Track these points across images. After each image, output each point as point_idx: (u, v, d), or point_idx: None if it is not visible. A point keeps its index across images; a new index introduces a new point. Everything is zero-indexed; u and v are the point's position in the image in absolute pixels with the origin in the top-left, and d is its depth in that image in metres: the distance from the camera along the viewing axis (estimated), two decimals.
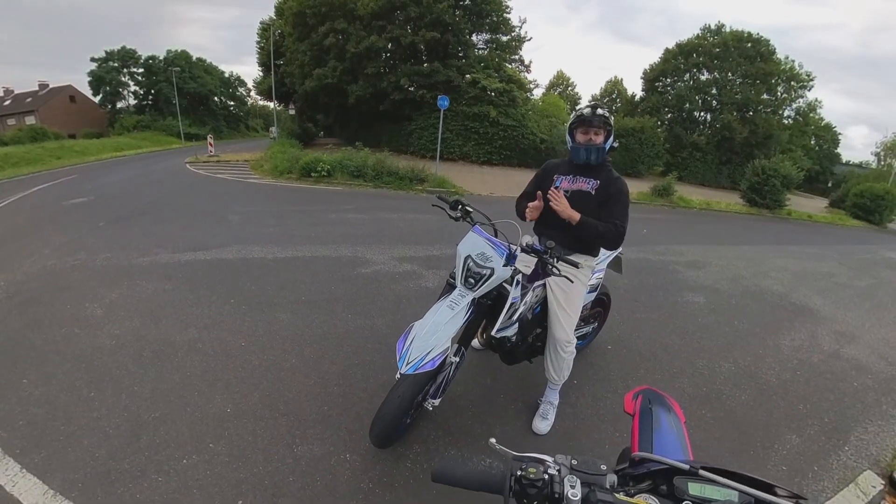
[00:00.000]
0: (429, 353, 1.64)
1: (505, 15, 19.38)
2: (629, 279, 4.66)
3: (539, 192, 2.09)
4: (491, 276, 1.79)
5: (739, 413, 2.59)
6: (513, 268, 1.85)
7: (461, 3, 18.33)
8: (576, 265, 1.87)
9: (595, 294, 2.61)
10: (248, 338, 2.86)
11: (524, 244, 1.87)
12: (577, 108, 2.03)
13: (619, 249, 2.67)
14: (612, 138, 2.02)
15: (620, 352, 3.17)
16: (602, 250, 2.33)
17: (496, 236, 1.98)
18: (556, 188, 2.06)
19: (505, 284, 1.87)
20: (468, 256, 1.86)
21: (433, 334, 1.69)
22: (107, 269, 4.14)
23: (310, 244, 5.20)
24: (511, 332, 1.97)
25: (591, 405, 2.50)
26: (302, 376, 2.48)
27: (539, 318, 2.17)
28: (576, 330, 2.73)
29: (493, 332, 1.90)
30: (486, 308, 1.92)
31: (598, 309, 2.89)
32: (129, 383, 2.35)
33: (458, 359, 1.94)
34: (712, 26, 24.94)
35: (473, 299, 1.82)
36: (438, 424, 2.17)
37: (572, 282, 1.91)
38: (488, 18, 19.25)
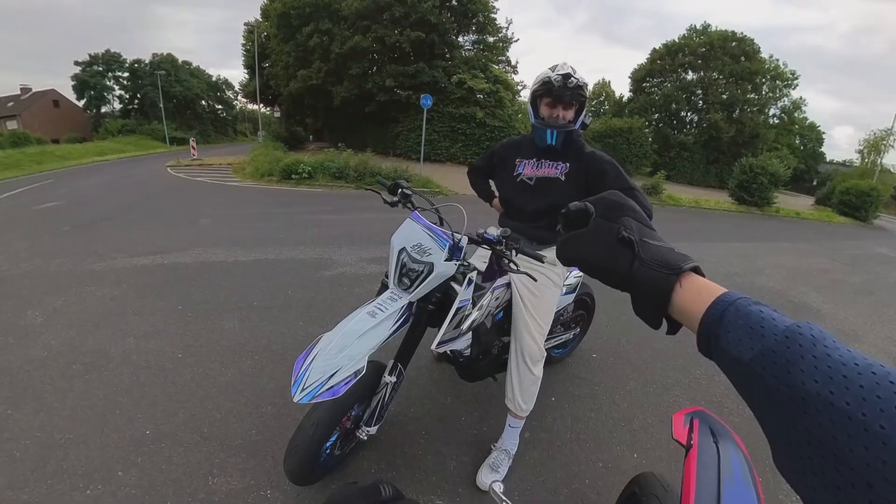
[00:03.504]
0: (332, 375, 1.25)
1: (491, 16, 19.39)
2: None
3: (496, 201, 1.93)
4: (429, 273, 1.43)
5: (743, 427, 2.31)
6: (458, 262, 1.47)
7: (447, 3, 18.27)
8: (540, 259, 1.44)
9: (574, 295, 2.29)
10: (186, 348, 2.67)
11: (475, 233, 1.50)
12: (546, 70, 1.58)
13: None
14: (584, 112, 1.64)
15: (607, 360, 2.86)
16: None
17: (441, 225, 1.59)
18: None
19: (454, 284, 1.50)
20: (402, 249, 1.51)
21: (341, 351, 1.30)
22: (59, 275, 3.92)
23: (276, 246, 5.01)
24: (462, 344, 1.60)
25: (569, 428, 2.17)
26: (235, 393, 2.27)
27: (501, 325, 1.81)
28: (555, 336, 2.39)
29: (432, 346, 1.48)
30: (432, 313, 1.54)
31: (581, 312, 2.55)
32: (51, 400, 2.15)
33: (394, 378, 1.58)
34: (698, 27, 25.24)
35: (411, 303, 1.50)
36: (381, 455, 1.90)
37: (536, 280, 1.55)
38: (475, 19, 19.23)
